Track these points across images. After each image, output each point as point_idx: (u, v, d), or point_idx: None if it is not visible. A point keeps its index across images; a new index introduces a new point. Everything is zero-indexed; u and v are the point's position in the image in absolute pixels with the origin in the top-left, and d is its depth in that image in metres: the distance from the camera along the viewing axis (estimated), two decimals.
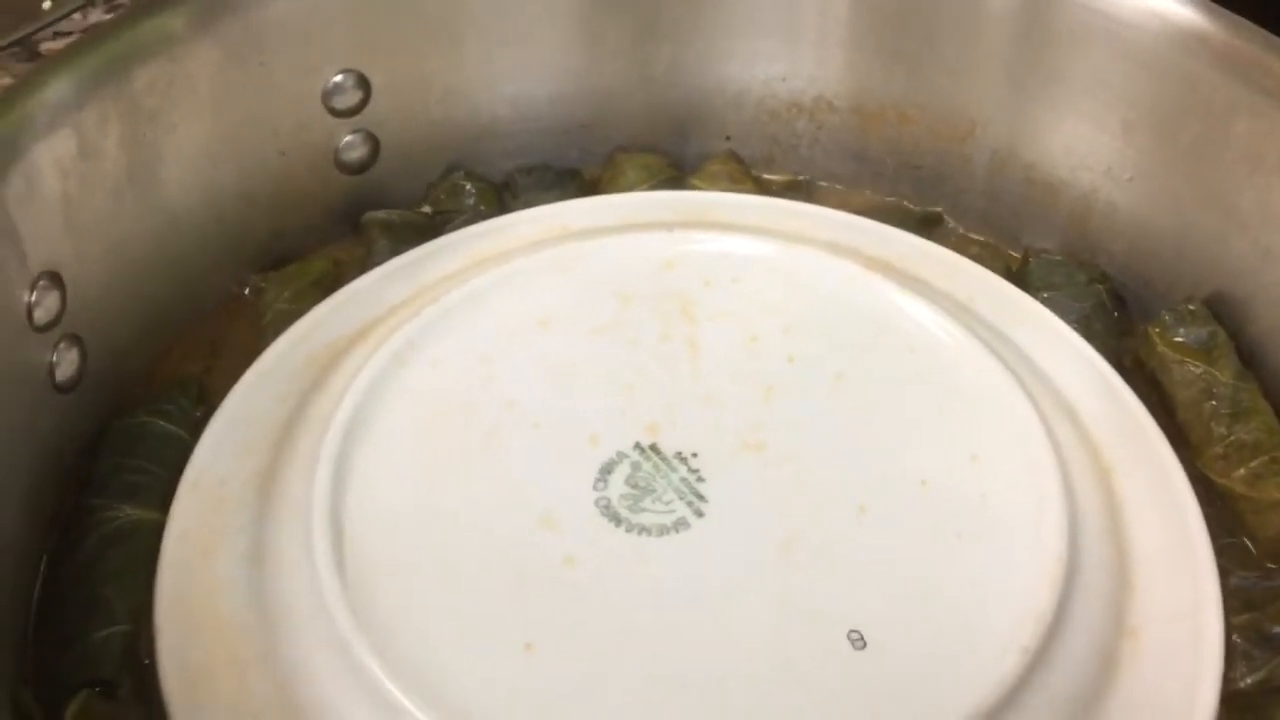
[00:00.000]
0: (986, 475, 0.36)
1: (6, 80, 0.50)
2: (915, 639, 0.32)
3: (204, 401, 0.41)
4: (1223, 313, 0.42)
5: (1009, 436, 0.37)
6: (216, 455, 0.37)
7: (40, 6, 0.45)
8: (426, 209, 0.50)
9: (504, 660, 0.32)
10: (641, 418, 0.38)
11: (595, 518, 0.35)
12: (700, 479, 0.36)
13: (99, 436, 0.40)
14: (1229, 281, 0.43)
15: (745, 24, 0.50)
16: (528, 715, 0.31)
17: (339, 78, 0.47)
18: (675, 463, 0.36)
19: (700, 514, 0.35)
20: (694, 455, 0.36)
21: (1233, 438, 0.39)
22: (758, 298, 0.42)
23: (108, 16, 0.54)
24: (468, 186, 0.50)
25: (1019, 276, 0.46)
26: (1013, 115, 0.47)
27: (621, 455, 0.36)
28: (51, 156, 0.38)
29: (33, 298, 0.37)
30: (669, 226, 0.44)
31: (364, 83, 0.47)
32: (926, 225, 0.49)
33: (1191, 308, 0.42)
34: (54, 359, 0.38)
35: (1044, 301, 0.43)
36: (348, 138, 0.48)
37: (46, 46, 0.53)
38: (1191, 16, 0.42)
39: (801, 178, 0.53)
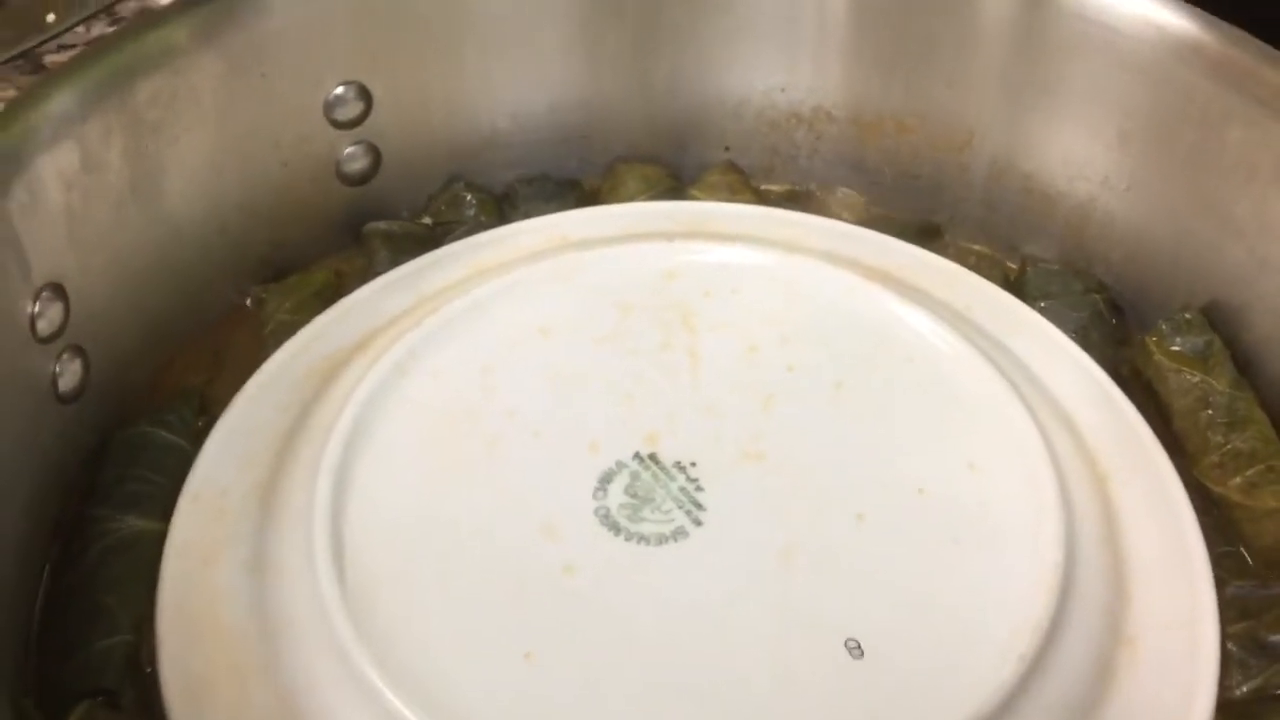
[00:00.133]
0: (984, 484, 0.36)
1: (10, 93, 0.50)
2: (913, 647, 0.32)
3: (206, 412, 0.41)
4: (1219, 321, 0.43)
5: (1007, 445, 0.37)
6: (218, 465, 0.38)
7: (44, 19, 0.45)
8: (427, 220, 0.50)
9: (504, 669, 0.32)
10: (641, 427, 0.38)
11: (595, 527, 0.35)
12: (699, 488, 0.36)
13: (101, 447, 0.40)
14: (1225, 290, 0.43)
15: (744, 35, 0.50)
16: None
17: (340, 89, 0.47)
18: (674, 472, 0.36)
19: (699, 523, 0.35)
20: (693, 464, 0.37)
21: (1229, 446, 0.39)
22: (757, 307, 0.42)
23: (111, 29, 0.54)
24: (468, 197, 0.50)
25: (1017, 286, 0.46)
26: (1010, 125, 0.48)
27: (621, 465, 0.37)
28: (55, 169, 0.38)
29: (36, 309, 0.37)
30: (669, 237, 0.44)
31: (365, 94, 0.48)
32: (925, 235, 0.49)
33: (1188, 316, 0.42)
34: (57, 370, 0.39)
35: (1041, 311, 0.43)
36: (349, 149, 0.48)
37: (50, 59, 0.53)
38: (1186, 26, 0.42)
39: (800, 188, 0.53)
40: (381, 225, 0.48)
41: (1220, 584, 0.35)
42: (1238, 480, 0.39)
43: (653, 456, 0.37)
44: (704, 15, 0.50)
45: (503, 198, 0.51)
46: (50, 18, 0.45)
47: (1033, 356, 0.41)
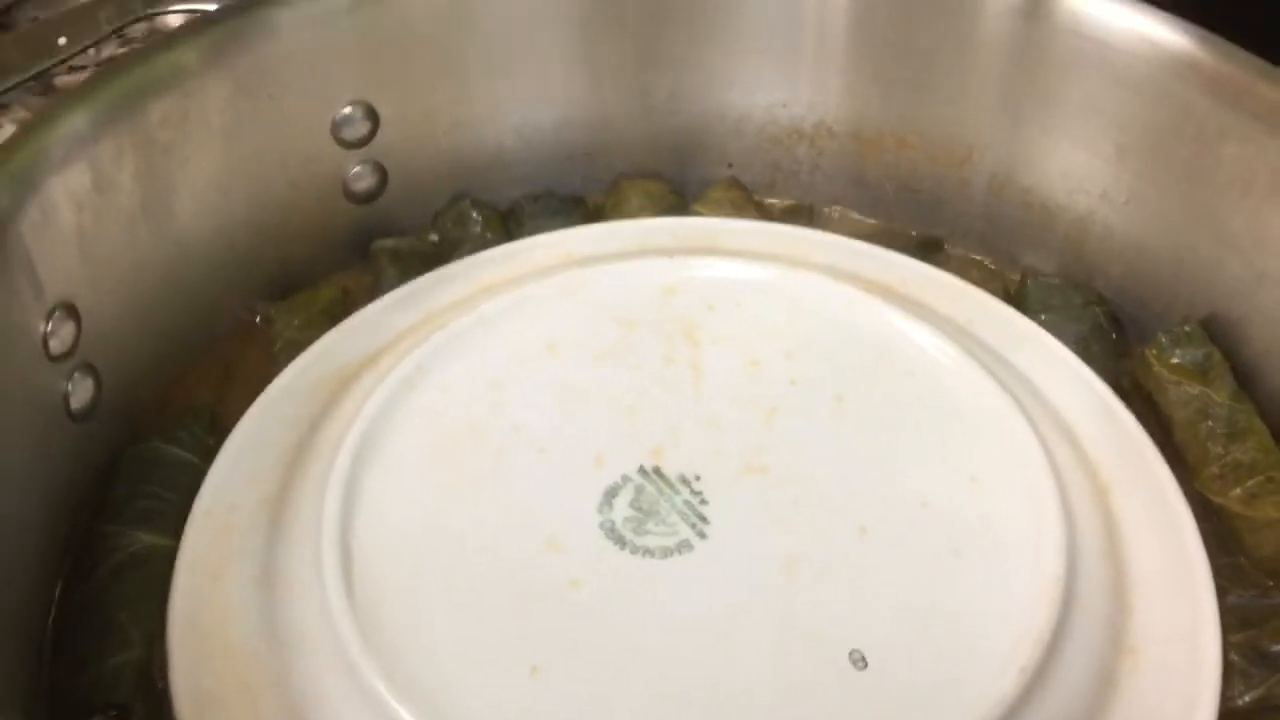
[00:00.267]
0: (986, 496, 0.36)
1: (22, 115, 0.51)
2: (916, 659, 0.33)
3: (216, 428, 0.42)
4: (1218, 334, 0.43)
5: (1008, 458, 0.37)
6: (228, 481, 0.38)
7: (55, 42, 0.46)
8: (433, 237, 0.50)
9: (510, 681, 0.32)
10: (645, 441, 0.38)
11: (600, 540, 0.35)
12: (703, 501, 0.36)
13: (113, 464, 0.41)
14: (1224, 303, 0.43)
15: (745, 52, 0.51)
16: None
17: (348, 109, 0.48)
18: (679, 485, 0.37)
19: (703, 536, 0.35)
20: (697, 478, 0.37)
21: (1229, 457, 0.40)
22: (760, 322, 0.42)
23: (121, 51, 0.55)
24: (474, 214, 0.50)
25: (1017, 299, 0.46)
26: (1009, 140, 0.48)
27: (626, 479, 0.37)
28: (67, 189, 0.39)
29: (48, 328, 0.38)
30: (672, 253, 0.45)
31: (372, 114, 0.48)
32: (925, 249, 0.50)
33: (1187, 329, 0.43)
34: (69, 388, 0.39)
35: (1042, 324, 0.44)
36: (356, 168, 0.49)
37: (61, 81, 0.54)
38: (1183, 43, 0.42)
39: (802, 203, 0.53)
40: (388, 243, 0.49)
41: (1221, 594, 0.35)
42: (1238, 491, 0.39)
43: (657, 470, 0.37)
44: (706, 33, 0.51)
45: (508, 214, 0.51)
46: (61, 41, 0.46)
47: (1034, 369, 0.41)
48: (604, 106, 0.52)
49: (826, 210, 0.53)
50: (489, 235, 0.50)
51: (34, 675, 0.35)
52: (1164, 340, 0.43)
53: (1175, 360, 0.42)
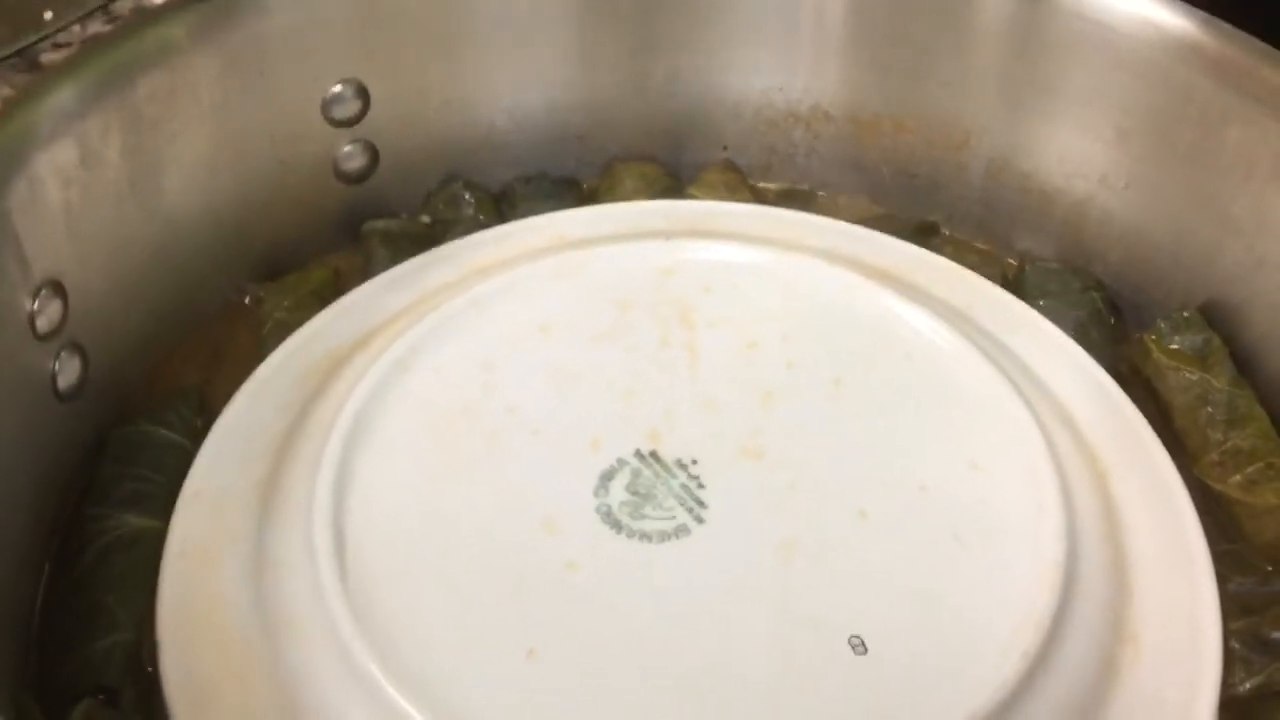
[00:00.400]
0: (985, 481, 0.36)
1: (6, 91, 0.50)
2: (915, 644, 0.32)
3: (205, 409, 0.41)
4: (1218, 319, 0.43)
5: (1007, 443, 0.37)
6: (218, 463, 0.38)
7: (41, 17, 0.45)
8: (425, 218, 0.50)
9: (506, 665, 0.32)
10: (642, 424, 0.38)
11: (596, 524, 0.35)
12: (700, 485, 0.36)
13: (100, 445, 0.40)
14: (1224, 288, 0.43)
15: (742, 35, 0.50)
16: None
17: (338, 88, 0.47)
18: (675, 469, 0.36)
19: (700, 520, 0.35)
20: (694, 462, 0.37)
21: (1229, 444, 0.39)
22: (756, 305, 0.42)
23: (107, 27, 0.54)
24: (466, 196, 0.50)
25: (1015, 284, 0.46)
26: (1008, 124, 0.48)
27: (622, 462, 0.37)
28: (54, 166, 0.38)
29: (35, 306, 0.37)
30: (667, 235, 0.44)
31: (363, 93, 0.48)
32: (923, 233, 0.49)
33: (1186, 315, 0.43)
34: (56, 368, 0.38)
35: (1040, 309, 0.43)
36: (347, 147, 0.48)
37: (46, 58, 0.53)
38: (1185, 25, 0.42)
39: (798, 187, 0.53)
40: (380, 224, 0.48)
41: (1221, 581, 0.35)
42: (1238, 478, 0.39)
43: (654, 454, 0.37)
44: (702, 15, 0.50)
45: (501, 196, 0.51)
46: (48, 15, 0.45)
47: (1031, 354, 0.41)
48: (599, 88, 0.51)
49: (822, 194, 0.53)
50: (481, 217, 0.49)
51: (21, 659, 0.35)
52: (1163, 326, 0.43)
53: (1174, 346, 0.42)
